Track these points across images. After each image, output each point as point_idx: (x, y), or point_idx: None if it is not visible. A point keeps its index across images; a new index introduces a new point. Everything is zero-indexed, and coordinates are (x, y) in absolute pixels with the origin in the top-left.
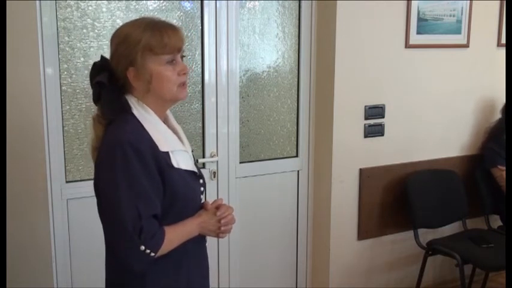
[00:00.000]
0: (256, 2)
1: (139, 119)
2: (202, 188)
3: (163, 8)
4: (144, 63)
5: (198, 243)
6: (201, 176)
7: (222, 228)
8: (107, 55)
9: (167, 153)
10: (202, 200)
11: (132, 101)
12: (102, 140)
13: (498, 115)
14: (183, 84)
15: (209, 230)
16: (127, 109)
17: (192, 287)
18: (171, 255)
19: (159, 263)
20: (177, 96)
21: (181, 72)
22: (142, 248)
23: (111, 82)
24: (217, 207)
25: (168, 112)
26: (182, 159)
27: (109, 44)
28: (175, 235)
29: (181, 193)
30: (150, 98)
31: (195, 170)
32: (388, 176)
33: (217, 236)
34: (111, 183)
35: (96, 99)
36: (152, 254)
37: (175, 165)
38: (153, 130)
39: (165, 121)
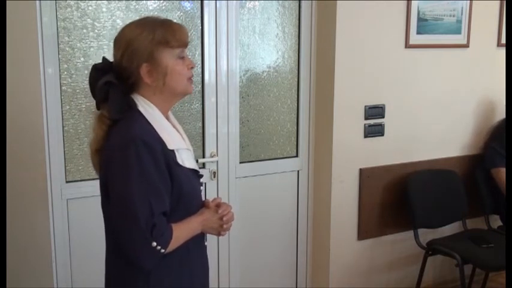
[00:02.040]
0: (256, 2)
1: (146, 117)
2: (202, 187)
3: (163, 8)
4: (161, 58)
5: (198, 242)
6: (201, 175)
7: (224, 226)
8: (107, 55)
9: (173, 151)
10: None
11: (137, 98)
12: (110, 139)
13: (500, 115)
14: (191, 78)
15: (211, 227)
16: (133, 107)
17: (195, 285)
18: (174, 253)
19: (162, 262)
20: (187, 90)
21: (190, 66)
22: (154, 244)
23: (118, 81)
24: (218, 205)
25: (169, 112)
26: (186, 158)
27: (112, 45)
28: (181, 232)
29: (186, 191)
30: (160, 94)
31: (197, 168)
32: (388, 176)
33: (219, 233)
34: (124, 180)
35: (103, 101)
36: (162, 251)
37: (180, 163)
38: (160, 128)
39: (167, 119)
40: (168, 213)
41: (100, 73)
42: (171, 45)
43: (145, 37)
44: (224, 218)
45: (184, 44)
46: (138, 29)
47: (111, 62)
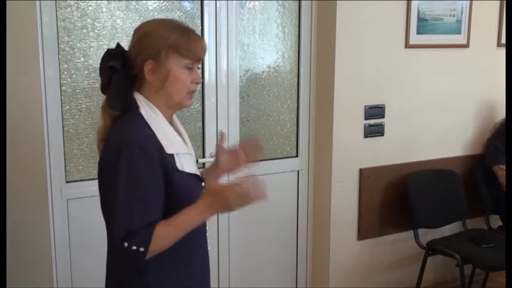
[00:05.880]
0: (256, 2)
1: (147, 120)
2: (203, 192)
3: (164, 8)
4: (166, 60)
5: (199, 243)
6: (202, 179)
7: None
8: None
9: (172, 155)
10: None
11: (140, 99)
12: (109, 137)
13: (500, 115)
14: (192, 92)
15: (219, 205)
16: (134, 108)
17: (194, 286)
18: (173, 255)
19: (160, 263)
20: (184, 101)
21: (195, 80)
22: (134, 247)
23: (123, 70)
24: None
25: (174, 115)
26: (186, 162)
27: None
28: (172, 228)
29: (184, 196)
30: (159, 97)
31: (198, 173)
32: (388, 176)
33: (248, 203)
34: (112, 183)
35: (105, 86)
36: (142, 249)
37: (179, 168)
38: (160, 132)
39: (171, 123)
40: (159, 219)
41: (110, 57)
42: (181, 53)
43: (160, 35)
44: (239, 189)
45: (196, 58)
46: (157, 25)
47: (125, 50)
